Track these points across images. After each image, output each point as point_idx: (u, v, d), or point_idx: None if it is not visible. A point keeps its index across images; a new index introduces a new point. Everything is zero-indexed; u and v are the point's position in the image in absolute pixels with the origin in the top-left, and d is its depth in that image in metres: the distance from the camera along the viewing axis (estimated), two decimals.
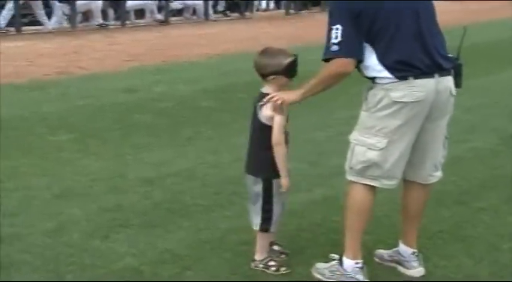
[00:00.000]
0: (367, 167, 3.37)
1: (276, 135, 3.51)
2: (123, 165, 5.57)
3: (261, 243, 3.71)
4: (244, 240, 4.00)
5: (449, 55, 3.44)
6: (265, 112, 3.53)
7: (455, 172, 5.20)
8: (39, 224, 4.26)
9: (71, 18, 15.53)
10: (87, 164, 5.59)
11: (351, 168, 3.44)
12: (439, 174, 3.59)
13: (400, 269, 3.66)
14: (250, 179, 3.67)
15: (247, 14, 19.75)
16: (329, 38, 3.27)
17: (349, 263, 3.48)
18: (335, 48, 3.25)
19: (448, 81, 3.39)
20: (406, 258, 3.65)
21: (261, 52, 3.60)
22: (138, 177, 5.21)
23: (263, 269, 3.66)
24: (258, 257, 3.71)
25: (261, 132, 3.57)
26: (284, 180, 3.54)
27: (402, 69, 3.26)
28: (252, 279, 3.57)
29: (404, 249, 3.66)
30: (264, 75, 3.56)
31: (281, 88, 3.56)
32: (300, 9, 20.91)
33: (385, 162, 3.34)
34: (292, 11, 20.76)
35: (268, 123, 3.53)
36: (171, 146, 6.14)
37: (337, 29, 3.24)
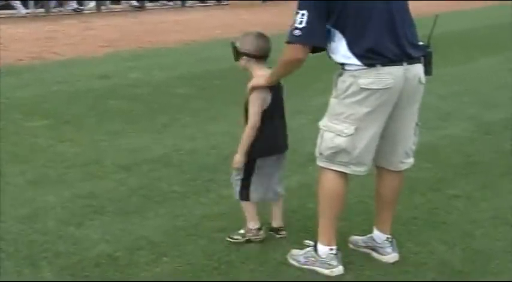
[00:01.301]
0: (336, 153, 3.39)
1: (250, 119, 3.65)
2: (99, 151, 5.53)
3: (247, 212, 3.84)
4: (220, 227, 4.00)
5: (420, 43, 3.45)
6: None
7: (430, 159, 5.26)
8: (12, 210, 4.22)
9: (44, 3, 15.33)
10: (62, 150, 5.55)
11: (320, 154, 3.47)
12: (410, 161, 3.62)
13: (374, 254, 3.69)
14: None
15: (224, 0, 19.67)
16: (294, 21, 3.28)
17: (323, 249, 3.51)
18: (297, 32, 3.27)
19: (417, 69, 3.40)
20: (380, 244, 3.68)
21: (257, 35, 3.73)
22: (114, 164, 5.19)
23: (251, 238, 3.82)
24: (251, 225, 3.84)
25: (246, 114, 3.70)
26: (236, 156, 3.70)
27: (370, 57, 3.26)
28: (228, 265, 3.57)
29: (378, 235, 3.70)
30: (238, 56, 3.71)
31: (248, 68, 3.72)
32: None
33: (354, 149, 3.36)
34: None
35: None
36: (147, 133, 6.11)
37: (302, 14, 3.25)
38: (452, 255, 3.72)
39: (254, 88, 3.64)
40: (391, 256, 3.66)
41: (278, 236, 3.91)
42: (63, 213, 4.21)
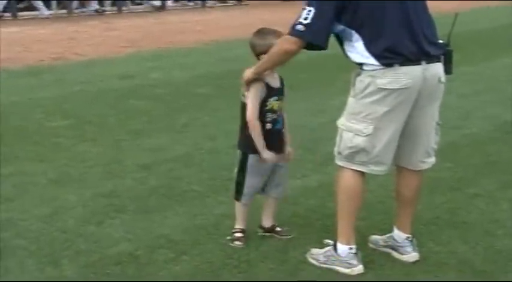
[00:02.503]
0: (355, 153, 3.38)
1: (248, 112, 3.65)
2: (119, 151, 5.57)
3: (236, 211, 3.84)
4: None
5: (440, 41, 3.43)
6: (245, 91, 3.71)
7: (450, 158, 5.22)
8: (34, 209, 4.27)
9: (67, 4, 15.46)
10: (83, 150, 5.60)
11: (339, 153, 3.46)
12: (431, 160, 3.60)
13: (395, 254, 3.68)
14: (237, 152, 3.84)
15: (244, 0, 19.69)
16: (299, 15, 3.29)
17: (343, 248, 3.50)
18: (300, 27, 3.27)
19: (437, 68, 3.38)
20: (400, 244, 3.66)
21: (254, 32, 3.72)
22: (134, 163, 5.22)
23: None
24: (236, 225, 3.85)
25: (242, 111, 3.73)
26: (263, 154, 3.63)
27: (388, 57, 3.25)
28: (247, 264, 3.58)
29: (398, 234, 3.68)
30: (256, 55, 3.67)
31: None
32: None
33: (373, 148, 3.35)
34: None
35: (245, 101, 3.69)
36: (168, 132, 6.14)
37: (309, 10, 3.25)
38: (473, 255, 3.69)
39: (246, 82, 3.64)
40: (411, 255, 3.64)
41: (278, 235, 3.87)
42: (84, 211, 4.25)
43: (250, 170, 3.72)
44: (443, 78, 3.42)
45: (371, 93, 3.30)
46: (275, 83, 3.72)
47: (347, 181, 3.47)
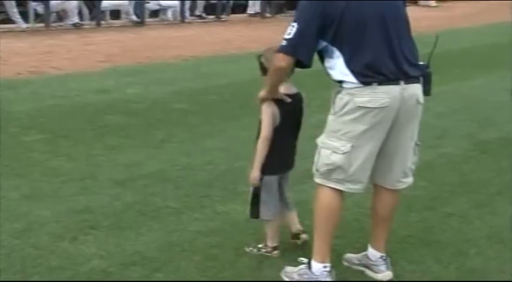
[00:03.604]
0: (332, 170, 3.40)
1: (262, 130, 3.66)
2: (95, 166, 5.53)
3: (267, 231, 3.84)
4: (215, 243, 4.00)
5: (420, 63, 3.46)
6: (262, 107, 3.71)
7: (426, 177, 5.26)
8: (6, 224, 4.21)
9: (45, 17, 15.38)
10: (58, 164, 5.54)
11: (317, 170, 3.48)
12: (408, 180, 3.62)
13: (368, 272, 3.68)
14: None
15: (224, 16, 19.74)
16: (285, 32, 3.33)
17: (317, 266, 3.50)
18: (284, 43, 3.32)
19: (415, 89, 3.41)
20: (374, 262, 3.67)
21: (266, 49, 3.74)
22: (109, 179, 5.18)
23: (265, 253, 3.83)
24: (269, 243, 3.86)
25: (259, 128, 3.73)
26: (255, 173, 3.64)
27: (367, 75, 3.27)
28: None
29: (372, 252, 3.69)
30: (265, 71, 3.66)
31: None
32: (276, 13, 20.96)
33: (350, 166, 3.36)
34: (268, 15, 20.80)
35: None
36: (144, 148, 6.11)
37: (293, 26, 3.29)
38: (446, 274, 3.72)
39: (261, 100, 3.67)
40: (385, 274, 3.65)
41: (300, 241, 3.91)
42: (57, 227, 4.20)
43: (265, 190, 3.73)
44: (421, 99, 3.44)
45: (350, 111, 3.32)
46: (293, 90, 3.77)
47: (324, 199, 3.47)
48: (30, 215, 4.40)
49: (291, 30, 3.29)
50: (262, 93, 3.66)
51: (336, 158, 3.38)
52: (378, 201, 3.66)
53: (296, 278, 3.55)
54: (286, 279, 3.58)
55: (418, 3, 23.47)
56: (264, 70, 3.67)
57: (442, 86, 8.79)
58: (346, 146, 3.35)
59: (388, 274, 3.65)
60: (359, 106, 3.30)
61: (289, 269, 3.62)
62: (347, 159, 3.36)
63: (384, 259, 3.67)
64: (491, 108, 8.33)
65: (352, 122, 3.32)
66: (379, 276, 3.65)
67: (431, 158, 5.89)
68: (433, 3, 24.30)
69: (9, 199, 4.68)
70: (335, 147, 3.37)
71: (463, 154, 6.21)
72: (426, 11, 21.12)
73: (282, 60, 3.34)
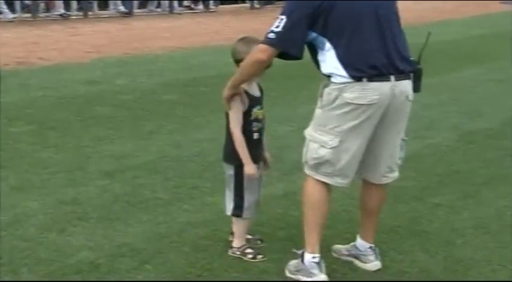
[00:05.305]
0: (320, 164, 3.39)
1: (231, 123, 3.60)
2: (83, 157, 5.51)
3: (237, 229, 3.78)
4: (203, 234, 4.00)
5: (411, 58, 3.41)
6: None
7: (414, 168, 5.28)
8: None
9: (32, 7, 15.28)
10: (46, 156, 5.52)
11: (305, 162, 3.48)
12: (393, 175, 3.59)
13: (357, 263, 3.70)
14: (224, 165, 3.75)
15: (212, 7, 19.68)
16: (272, 24, 3.27)
17: (307, 257, 3.50)
18: (271, 35, 3.25)
19: (405, 85, 3.37)
20: (363, 252, 3.69)
21: (239, 39, 3.66)
22: (98, 170, 5.17)
23: (240, 256, 3.71)
24: (235, 244, 3.76)
25: (227, 121, 3.66)
26: (246, 168, 3.59)
27: (358, 68, 3.24)
28: (210, 273, 3.56)
29: (361, 243, 3.70)
30: (237, 61, 3.59)
31: None
32: (266, 4, 20.93)
33: (338, 161, 3.35)
34: (257, 5, 20.77)
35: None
36: (132, 139, 6.09)
37: (281, 19, 3.25)
38: (433, 264, 3.74)
39: (225, 100, 3.58)
40: (373, 264, 3.67)
41: (259, 242, 3.89)
42: (45, 219, 4.19)
43: (247, 182, 3.66)
44: (410, 96, 3.42)
45: (338, 107, 3.29)
46: (255, 92, 3.69)
47: (313, 190, 3.47)
48: (18, 206, 4.38)
49: (279, 23, 3.24)
50: (226, 91, 3.55)
51: (324, 152, 3.37)
52: (366, 195, 3.66)
53: (292, 270, 3.55)
54: (286, 271, 3.57)
55: None
56: (236, 62, 3.59)
57: (430, 78, 8.81)
58: (334, 141, 3.33)
59: (376, 264, 3.67)
60: (348, 102, 3.27)
61: (292, 262, 3.59)
62: (335, 154, 3.35)
63: (373, 249, 3.68)
64: (479, 99, 8.38)
65: (341, 117, 3.30)
66: (367, 266, 3.66)
67: (419, 149, 5.91)
68: None
69: None
70: (323, 141, 3.36)
71: (451, 145, 6.24)
72: (414, 3, 21.12)
73: (263, 52, 3.28)
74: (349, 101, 3.26)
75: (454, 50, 12.72)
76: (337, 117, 3.31)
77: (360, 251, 3.70)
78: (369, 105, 3.27)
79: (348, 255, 3.75)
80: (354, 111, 3.27)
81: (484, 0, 23.15)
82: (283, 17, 3.25)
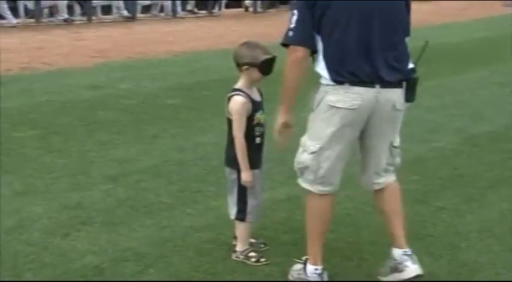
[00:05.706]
0: (303, 169, 3.35)
1: (234, 129, 3.60)
2: (87, 162, 5.51)
3: (240, 234, 3.78)
4: (207, 238, 4.00)
5: (410, 66, 3.30)
6: (230, 105, 3.61)
7: (418, 171, 5.27)
8: None
9: (35, 13, 15.31)
10: (49, 161, 5.53)
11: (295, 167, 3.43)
12: (382, 180, 3.46)
13: (397, 275, 3.45)
14: (227, 170, 3.74)
15: (215, 11, 19.70)
16: (289, 22, 3.23)
17: (310, 268, 3.47)
18: (290, 33, 3.21)
19: (392, 94, 3.23)
20: (399, 261, 3.47)
21: (243, 43, 3.66)
22: (102, 175, 5.17)
23: (243, 260, 3.71)
24: (238, 248, 3.76)
25: (229, 126, 3.65)
26: (243, 174, 3.59)
27: (339, 73, 3.16)
28: (214, 277, 3.56)
29: (395, 251, 3.49)
30: (239, 65, 3.60)
31: (253, 83, 3.62)
32: (269, 8, 20.95)
33: (318, 168, 3.28)
34: (260, 9, 20.79)
35: (230, 116, 3.62)
36: (136, 143, 6.10)
37: (293, 14, 3.21)
38: (438, 268, 3.73)
39: (277, 129, 3.43)
40: (410, 269, 3.43)
41: (262, 246, 3.89)
42: (49, 224, 4.19)
43: (250, 187, 3.66)
44: (399, 106, 3.28)
45: (322, 110, 3.24)
46: (257, 97, 3.69)
47: (312, 200, 3.42)
48: (22, 211, 4.39)
49: (293, 19, 3.19)
50: (279, 119, 3.37)
51: (305, 158, 3.32)
52: (377, 199, 3.55)
53: (295, 276, 3.52)
54: (289, 276, 3.55)
55: None
56: (238, 66, 3.59)
57: (434, 81, 8.83)
58: (315, 146, 3.27)
59: (414, 269, 3.42)
60: (329, 105, 3.20)
61: (295, 266, 3.57)
62: (315, 160, 3.29)
63: (408, 254, 3.46)
64: (482, 102, 8.36)
65: (322, 122, 3.24)
66: (404, 275, 3.42)
67: (423, 152, 5.90)
68: None
69: (1, 195, 4.66)
70: (306, 145, 3.32)
71: (455, 148, 6.23)
72: (417, 5, 21.11)
73: (295, 51, 3.18)
74: (331, 104, 3.19)
75: (457, 53, 12.71)
76: (320, 122, 3.26)
77: (396, 260, 3.47)
78: (350, 110, 3.18)
79: (390, 272, 3.49)
80: (334, 115, 3.20)
81: (488, 0, 23.12)
82: (295, 11, 3.21)
